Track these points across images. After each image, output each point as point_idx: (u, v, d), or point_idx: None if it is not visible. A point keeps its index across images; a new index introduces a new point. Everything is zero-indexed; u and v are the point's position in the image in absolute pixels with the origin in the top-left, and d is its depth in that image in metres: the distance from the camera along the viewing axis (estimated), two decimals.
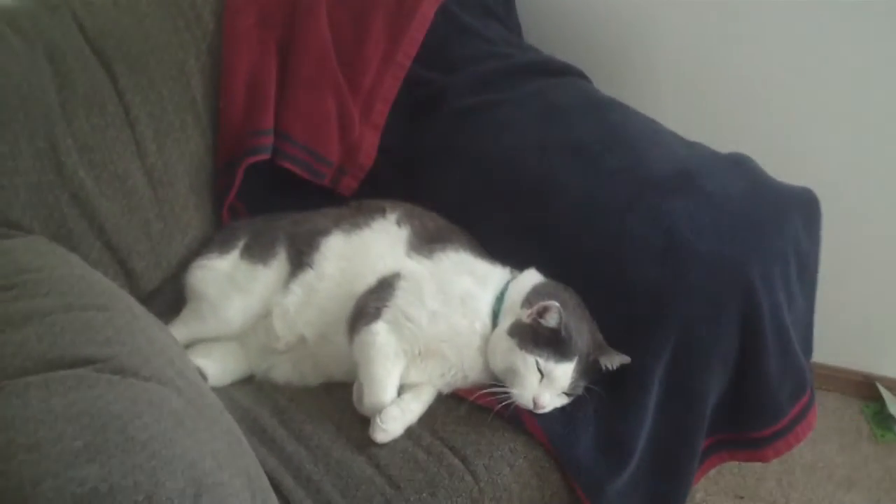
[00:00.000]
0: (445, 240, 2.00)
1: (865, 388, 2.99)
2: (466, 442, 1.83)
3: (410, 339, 1.85)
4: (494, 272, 1.99)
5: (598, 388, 1.86)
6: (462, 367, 1.90)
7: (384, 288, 1.91)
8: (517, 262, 1.99)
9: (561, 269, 1.96)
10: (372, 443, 1.80)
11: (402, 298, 1.86)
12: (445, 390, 1.93)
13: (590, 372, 1.86)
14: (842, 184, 2.49)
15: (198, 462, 1.23)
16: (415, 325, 1.85)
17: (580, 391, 1.87)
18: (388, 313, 1.86)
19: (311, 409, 1.92)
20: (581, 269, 1.94)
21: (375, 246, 2.00)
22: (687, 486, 1.95)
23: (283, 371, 1.99)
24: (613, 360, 1.87)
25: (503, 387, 1.84)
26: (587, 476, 1.85)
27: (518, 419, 1.84)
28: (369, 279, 1.93)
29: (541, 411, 1.82)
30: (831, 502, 2.62)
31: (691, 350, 1.87)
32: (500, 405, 1.81)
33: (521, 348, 1.82)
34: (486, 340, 1.89)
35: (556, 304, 1.80)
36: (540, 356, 1.80)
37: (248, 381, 2.02)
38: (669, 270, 1.85)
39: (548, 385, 1.81)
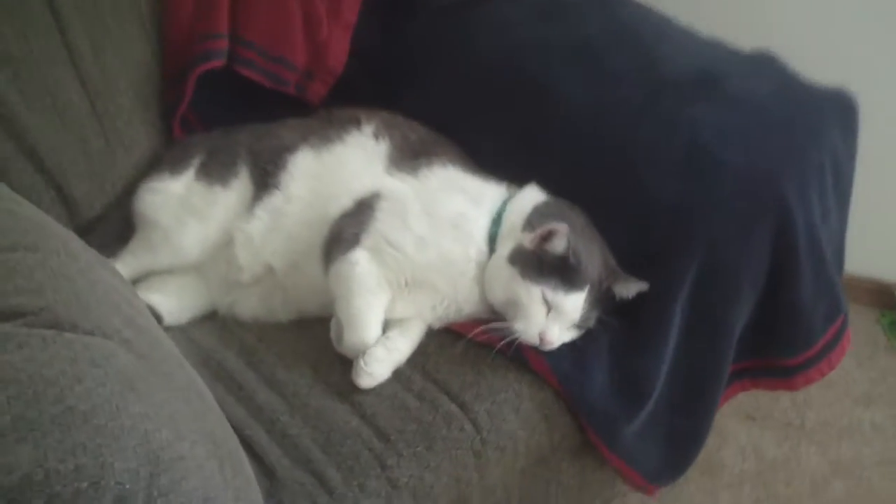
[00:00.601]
0: (431, 153, 1.79)
1: (882, 296, 2.81)
2: (464, 385, 1.61)
3: (395, 269, 1.65)
4: (489, 190, 1.76)
5: (611, 320, 1.67)
6: (455, 300, 1.69)
7: (362, 211, 1.70)
8: (514, 178, 1.80)
9: (565, 186, 1.74)
10: (355, 388, 1.58)
11: (383, 222, 1.67)
12: (437, 325, 1.71)
13: (602, 301, 1.65)
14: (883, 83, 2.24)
15: (152, 434, 1.00)
16: (399, 253, 1.65)
17: (592, 324, 1.66)
18: (368, 239, 1.66)
19: (284, 349, 1.70)
20: (588, 184, 1.73)
21: (350, 162, 1.78)
22: (710, 422, 1.76)
23: (249, 306, 1.79)
24: (629, 288, 1.66)
25: (503, 321, 1.63)
26: (601, 418, 1.65)
27: (522, 358, 1.62)
28: (344, 201, 1.72)
29: (548, 348, 1.61)
30: (850, 420, 2.48)
31: (717, 274, 1.66)
32: (501, 343, 1.59)
33: (524, 278, 1.60)
34: (483, 268, 1.68)
35: (565, 226, 1.58)
36: (546, 286, 1.59)
37: (210, 318, 1.82)
38: (692, 185, 1.65)
39: (556, 318, 1.60)
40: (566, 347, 1.64)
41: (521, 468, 1.66)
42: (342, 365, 1.63)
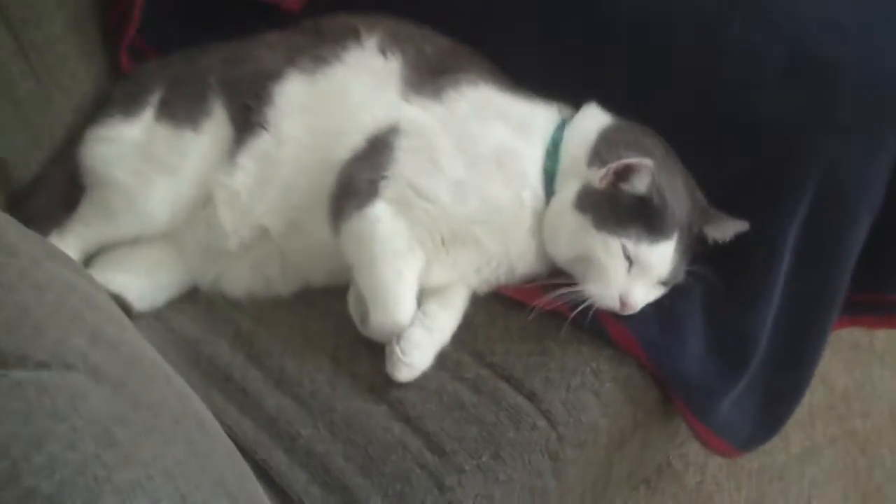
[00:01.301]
0: (455, 70, 1.43)
1: None
2: (529, 368, 1.29)
3: (428, 224, 1.33)
4: (537, 113, 1.41)
5: (704, 270, 1.34)
6: (507, 258, 1.37)
7: (378, 151, 1.36)
8: (564, 97, 1.45)
9: (632, 107, 1.40)
10: (390, 382, 1.26)
11: (407, 165, 1.34)
12: (483, 290, 1.39)
13: (693, 249, 1.34)
14: None
15: None
16: (431, 204, 1.33)
17: (681, 277, 1.34)
18: (389, 188, 1.33)
19: (290, 334, 1.36)
20: (663, 102, 1.40)
21: (355, 89, 1.42)
22: (812, 374, 1.48)
23: (239, 278, 1.45)
24: (725, 229, 1.34)
25: (569, 281, 1.31)
26: (697, 393, 1.35)
27: (599, 326, 1.31)
28: (354, 139, 1.38)
29: (630, 312, 1.30)
30: None
31: (834, 203, 1.35)
32: (574, 311, 1.28)
33: (598, 228, 1.29)
34: (540, 217, 1.36)
35: (648, 161, 1.25)
36: (626, 237, 1.28)
37: (192, 298, 1.47)
38: (799, 96, 1.34)
39: (639, 275, 1.30)
40: (651, 309, 1.33)
41: (599, 460, 1.35)
42: (368, 350, 1.30)
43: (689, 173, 1.36)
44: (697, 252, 1.34)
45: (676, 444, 1.84)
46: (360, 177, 1.34)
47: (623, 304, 1.28)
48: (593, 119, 1.39)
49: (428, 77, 1.41)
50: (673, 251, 1.29)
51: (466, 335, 1.32)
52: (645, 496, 1.84)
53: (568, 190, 1.32)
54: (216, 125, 1.42)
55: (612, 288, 1.28)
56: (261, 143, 1.40)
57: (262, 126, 1.40)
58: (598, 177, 1.29)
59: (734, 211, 1.34)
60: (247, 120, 1.40)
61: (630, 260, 1.28)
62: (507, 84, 1.43)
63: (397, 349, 1.24)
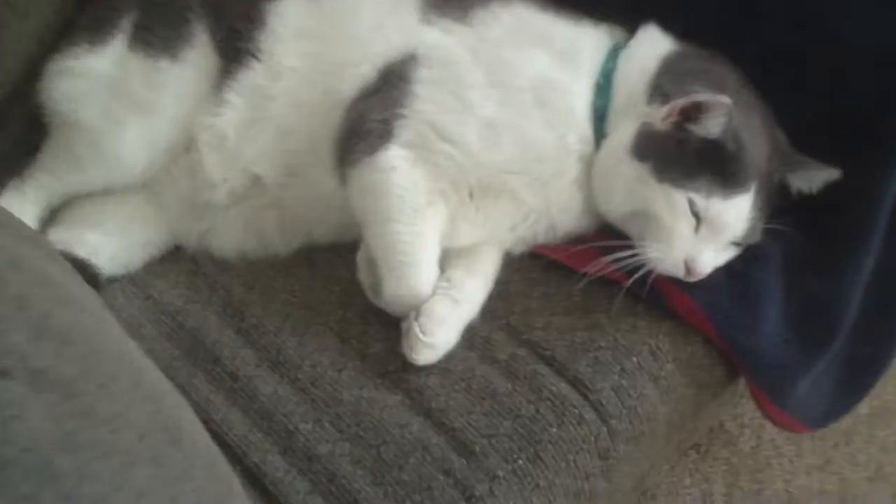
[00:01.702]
0: None
1: None
2: (575, 348, 1.08)
3: (453, 173, 1.13)
4: (585, 37, 1.18)
5: (785, 227, 1.11)
6: (548, 213, 1.15)
7: (393, 84, 1.14)
8: (615, 18, 1.21)
9: (697, 25, 1.16)
10: (408, 366, 1.07)
11: (428, 101, 1.13)
12: (518, 250, 1.18)
13: (772, 202, 1.12)
14: None
15: None
16: (458, 148, 1.11)
17: (757, 237, 1.12)
18: (406, 129, 1.12)
19: (289, 304, 1.17)
20: (736, 21, 1.16)
21: (365, 9, 1.20)
22: (893, 352, 1.25)
23: (229, 236, 1.26)
24: (812, 177, 1.13)
25: (623, 244, 1.09)
26: (775, 372, 1.13)
27: (658, 296, 1.10)
28: (363, 70, 1.16)
29: (697, 279, 1.09)
30: None
31: None
32: (630, 280, 1.07)
33: (660, 179, 1.07)
34: (589, 163, 1.14)
35: (725, 99, 1.03)
36: (696, 191, 1.06)
37: (174, 259, 1.28)
38: None
39: (708, 235, 1.08)
40: (721, 275, 1.11)
41: (655, 448, 1.15)
42: (381, 324, 1.11)
43: (767, 109, 1.13)
44: (777, 206, 1.12)
45: (731, 406, 1.64)
46: (370, 116, 1.13)
47: (688, 269, 1.07)
48: (653, 44, 1.16)
49: None
50: (749, 206, 1.07)
51: (499, 306, 1.12)
52: (695, 461, 1.65)
53: (623, 131, 1.10)
54: (199, 54, 1.21)
55: (676, 250, 1.07)
56: (252, 76, 1.19)
57: (252, 55, 1.19)
58: (660, 116, 1.07)
59: (821, 158, 1.12)
60: (235, 47, 1.20)
61: (698, 217, 1.06)
62: (546, 3, 1.19)
63: (416, 326, 1.05)
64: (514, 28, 1.15)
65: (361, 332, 1.10)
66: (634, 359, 1.07)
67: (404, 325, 1.06)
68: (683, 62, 1.13)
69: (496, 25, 1.15)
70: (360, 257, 1.13)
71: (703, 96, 1.03)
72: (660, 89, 1.10)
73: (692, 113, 1.04)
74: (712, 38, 1.14)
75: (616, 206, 1.11)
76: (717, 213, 1.05)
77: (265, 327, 1.12)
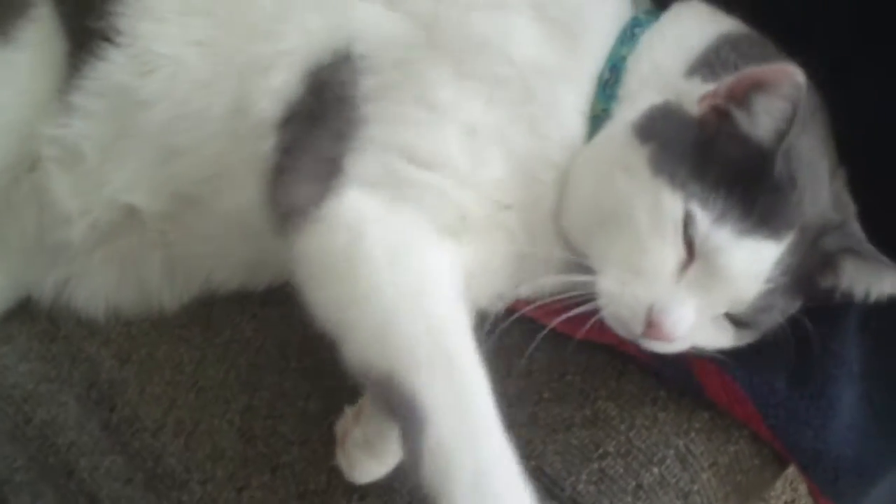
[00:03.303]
0: None
1: None
2: (570, 455, 0.78)
3: (444, 212, 0.79)
4: (593, 4, 0.85)
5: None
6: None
7: (331, 107, 0.82)
8: None
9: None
10: (339, 484, 0.78)
11: (383, 122, 0.81)
12: (493, 307, 0.83)
13: (809, 285, 0.78)
14: None
15: None
16: (441, 172, 0.79)
17: (770, 324, 0.78)
18: (362, 164, 0.78)
19: (175, 385, 0.87)
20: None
21: None
22: None
23: (96, 286, 0.94)
24: (877, 279, 0.78)
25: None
26: (851, 480, 0.82)
27: (687, 377, 0.80)
28: (280, 79, 0.83)
29: (660, 342, 0.74)
30: None
31: None
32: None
33: (656, 171, 0.74)
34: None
35: (799, 76, 0.69)
36: (703, 204, 0.73)
37: (24, 317, 0.95)
38: None
39: (697, 284, 0.73)
40: (775, 347, 0.78)
41: None
42: (299, 417, 0.82)
43: (839, 162, 0.81)
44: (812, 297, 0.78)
45: None
46: (309, 157, 0.80)
47: (651, 323, 0.72)
48: (700, 20, 0.84)
49: None
50: (772, 265, 0.74)
51: None
52: None
53: (630, 111, 0.78)
54: (41, 36, 0.89)
55: (642, 287, 0.73)
56: (112, 69, 0.85)
57: (111, 39, 0.85)
58: (699, 93, 0.75)
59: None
60: (86, 28, 0.86)
61: (691, 248, 0.72)
62: None
63: (358, 430, 0.76)
64: None
65: (271, 431, 0.80)
66: (656, 469, 0.77)
67: (339, 428, 0.76)
68: (751, 46, 0.80)
69: None
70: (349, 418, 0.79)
71: (773, 67, 0.71)
72: (707, 65, 0.78)
73: (745, 95, 0.72)
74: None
75: (578, 205, 0.78)
76: (721, 250, 0.72)
77: (141, 422, 0.83)
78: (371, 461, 0.75)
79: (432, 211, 0.77)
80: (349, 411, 0.77)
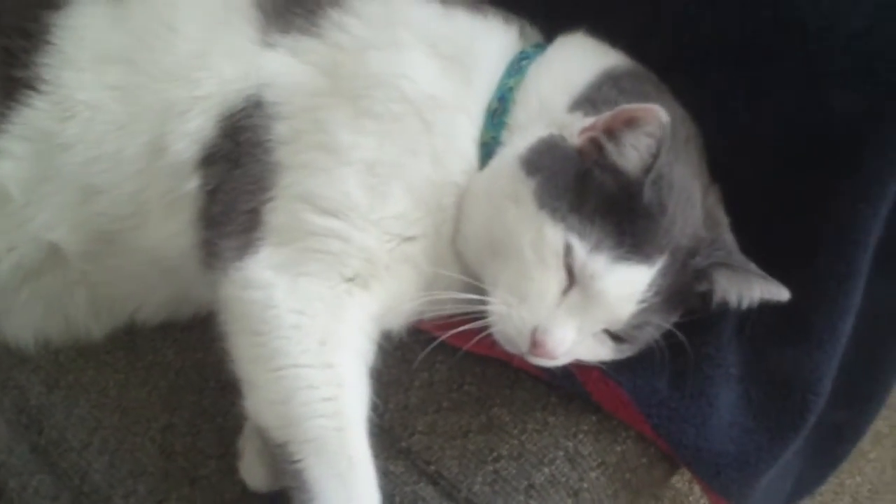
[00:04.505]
0: None
1: None
2: (466, 458, 0.83)
3: (351, 258, 0.85)
4: (483, 40, 0.91)
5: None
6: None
7: (249, 154, 0.87)
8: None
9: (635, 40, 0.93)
10: (251, 495, 0.82)
11: (295, 169, 0.86)
12: (397, 327, 0.90)
13: (682, 300, 0.85)
14: None
15: None
16: (344, 219, 0.84)
17: (648, 339, 0.85)
18: (275, 213, 0.85)
19: (100, 407, 0.90)
20: (682, 35, 0.94)
21: (184, 25, 0.91)
22: (880, 407, 1.04)
23: (24, 320, 0.96)
24: (748, 288, 0.84)
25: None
26: (734, 474, 0.87)
27: (574, 383, 0.85)
28: (196, 123, 0.88)
29: (542, 359, 0.82)
30: None
31: None
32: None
33: (540, 205, 0.81)
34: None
35: (663, 115, 0.76)
36: (580, 235, 0.79)
37: None
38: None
39: (577, 307, 0.81)
40: (656, 353, 0.85)
41: None
42: (216, 432, 0.86)
43: (713, 180, 0.88)
44: (691, 303, 0.85)
45: None
46: (232, 209, 0.85)
47: (534, 343, 0.80)
48: (584, 54, 0.91)
49: None
50: (644, 287, 0.80)
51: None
52: None
53: (520, 142, 0.84)
54: None
55: (527, 311, 0.80)
56: (36, 115, 0.89)
57: (31, 87, 0.89)
58: (580, 126, 0.81)
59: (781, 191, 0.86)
60: (9, 76, 0.89)
61: (571, 274, 0.79)
62: None
63: (253, 442, 0.80)
64: (383, 23, 0.88)
65: (190, 446, 0.85)
66: (546, 469, 0.82)
67: (240, 443, 0.80)
68: (633, 82, 0.87)
69: (356, 25, 0.88)
70: (246, 435, 0.83)
71: (641, 106, 0.77)
72: (589, 101, 0.85)
73: (617, 130, 0.78)
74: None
75: (473, 232, 0.84)
76: (597, 276, 0.78)
77: (68, 442, 0.87)
78: (267, 470, 0.80)
79: (339, 260, 0.84)
80: (247, 427, 0.82)
